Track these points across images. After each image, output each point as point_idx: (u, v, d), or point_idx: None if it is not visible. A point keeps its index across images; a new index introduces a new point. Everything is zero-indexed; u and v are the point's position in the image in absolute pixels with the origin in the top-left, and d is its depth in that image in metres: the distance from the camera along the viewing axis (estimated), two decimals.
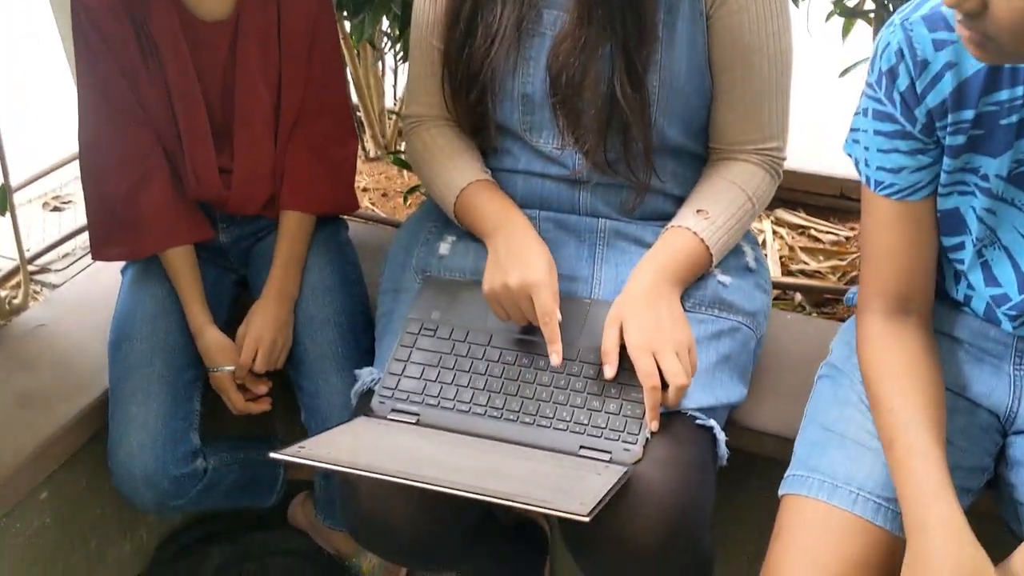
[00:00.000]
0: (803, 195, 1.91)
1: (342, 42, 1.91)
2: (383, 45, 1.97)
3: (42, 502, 1.45)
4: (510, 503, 0.99)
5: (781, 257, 1.79)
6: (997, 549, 0.99)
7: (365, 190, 2.05)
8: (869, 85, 1.07)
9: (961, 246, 1.11)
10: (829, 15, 1.61)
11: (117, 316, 1.46)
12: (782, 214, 1.89)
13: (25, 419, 1.43)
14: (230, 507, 1.57)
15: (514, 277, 1.20)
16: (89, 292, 1.63)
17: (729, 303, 1.30)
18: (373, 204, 2.02)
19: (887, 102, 1.04)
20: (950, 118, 1.02)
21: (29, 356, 1.56)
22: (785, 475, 1.16)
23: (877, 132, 1.07)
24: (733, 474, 1.26)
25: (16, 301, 1.66)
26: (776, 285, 1.72)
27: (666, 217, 1.32)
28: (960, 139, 1.02)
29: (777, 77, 1.30)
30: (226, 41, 1.39)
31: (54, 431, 1.42)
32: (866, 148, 1.09)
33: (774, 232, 1.85)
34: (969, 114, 1.00)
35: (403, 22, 1.67)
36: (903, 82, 1.02)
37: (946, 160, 1.05)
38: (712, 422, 1.20)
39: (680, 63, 1.26)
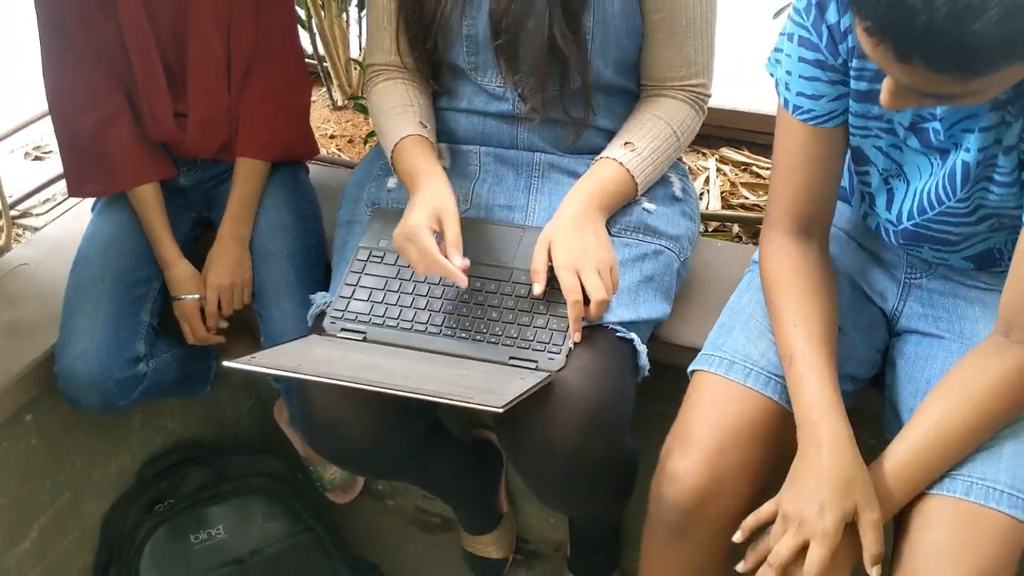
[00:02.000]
0: (747, 134, 2.00)
1: None
2: None
3: (27, 423, 1.58)
4: (436, 399, 1.10)
5: (723, 192, 1.89)
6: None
7: (332, 137, 2.15)
8: (797, 12, 1.12)
9: (868, 173, 1.21)
10: None
11: (80, 243, 1.58)
12: (726, 152, 1.99)
13: (10, 347, 1.55)
14: (167, 398, 1.70)
15: (399, 228, 1.29)
16: (69, 232, 1.73)
17: (653, 228, 1.41)
18: (340, 150, 2.11)
19: (813, 32, 1.10)
20: (855, 63, 1.09)
21: (13, 292, 1.67)
22: (697, 355, 1.28)
23: (801, 59, 1.13)
24: (664, 386, 1.38)
25: None
26: (716, 217, 1.83)
27: (599, 151, 1.42)
28: (863, 85, 1.10)
29: (701, 17, 1.39)
30: None
31: (36, 356, 1.53)
32: (788, 72, 1.15)
33: (718, 169, 1.95)
34: (873, 65, 1.05)
35: None
36: (832, 16, 1.08)
37: (852, 103, 1.13)
38: (632, 335, 1.32)
39: (614, 4, 1.35)
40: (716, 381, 1.22)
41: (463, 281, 1.26)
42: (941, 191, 1.11)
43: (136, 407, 1.67)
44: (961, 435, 1.08)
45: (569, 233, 1.31)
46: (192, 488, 1.78)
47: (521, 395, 1.12)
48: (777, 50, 1.18)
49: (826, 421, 1.09)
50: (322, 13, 2.11)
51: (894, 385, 1.27)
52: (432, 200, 1.30)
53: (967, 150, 1.06)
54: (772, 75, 1.20)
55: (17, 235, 1.85)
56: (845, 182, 1.29)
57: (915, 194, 1.16)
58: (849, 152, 1.21)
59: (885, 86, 0.95)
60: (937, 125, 1.08)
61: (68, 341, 1.49)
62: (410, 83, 1.47)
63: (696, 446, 1.17)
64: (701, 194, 1.89)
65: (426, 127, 1.42)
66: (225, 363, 1.17)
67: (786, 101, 1.17)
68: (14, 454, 1.57)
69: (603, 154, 1.40)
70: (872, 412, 1.32)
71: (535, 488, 1.37)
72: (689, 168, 1.95)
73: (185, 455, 1.84)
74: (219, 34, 1.52)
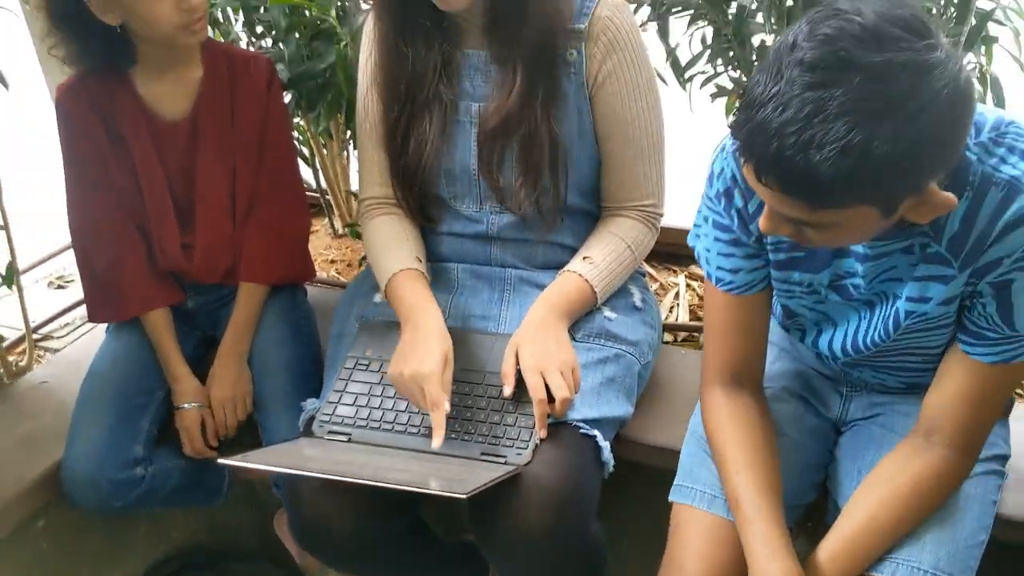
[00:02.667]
0: None
1: (308, 132, 2.21)
2: (346, 136, 2.25)
3: (39, 529, 1.69)
4: (406, 488, 1.22)
5: (691, 305, 2.03)
6: None
7: (332, 262, 2.32)
8: (709, 199, 1.24)
9: (799, 321, 1.33)
10: (714, 96, 1.88)
11: (92, 361, 1.72)
12: (695, 269, 2.13)
13: (26, 457, 1.67)
14: (178, 507, 1.79)
15: (409, 368, 1.38)
16: (85, 353, 1.86)
17: (614, 334, 1.54)
18: (339, 273, 2.28)
19: (725, 215, 1.22)
20: (770, 240, 1.21)
21: (32, 407, 1.81)
22: (674, 483, 1.38)
23: (717, 239, 1.25)
24: (631, 484, 1.48)
25: (22, 363, 1.92)
26: (684, 328, 1.96)
27: (563, 266, 1.57)
28: (781, 256, 1.23)
29: (650, 145, 1.56)
30: (186, 136, 1.65)
31: (50, 466, 1.65)
32: (707, 249, 1.27)
33: (687, 284, 2.09)
34: (787, 239, 1.16)
35: (348, 116, 1.95)
36: (738, 202, 1.20)
37: (772, 272, 1.25)
38: (595, 431, 1.43)
39: (572, 135, 1.53)
40: (700, 516, 1.31)
41: (440, 441, 1.34)
42: (878, 334, 1.22)
43: (141, 516, 1.78)
44: (886, 529, 1.18)
45: (534, 338, 1.44)
46: None
47: (484, 485, 1.23)
48: (696, 226, 1.31)
49: (775, 561, 1.17)
50: (324, 152, 2.31)
51: (834, 476, 1.37)
52: (441, 343, 1.41)
53: (901, 299, 1.16)
54: (694, 248, 1.33)
55: (39, 356, 2.00)
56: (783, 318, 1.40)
57: (845, 335, 1.27)
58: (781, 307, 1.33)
59: (763, 211, 1.07)
60: (858, 280, 1.19)
61: (72, 444, 1.61)
62: (402, 217, 1.63)
63: None
64: (672, 308, 2.03)
65: (420, 261, 1.57)
66: (220, 460, 1.29)
67: (708, 274, 1.30)
68: (26, 559, 1.67)
69: (565, 268, 1.55)
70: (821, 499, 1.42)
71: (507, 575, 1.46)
72: (660, 284, 2.10)
73: (188, 561, 1.94)
74: (225, 172, 1.69)
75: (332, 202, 2.41)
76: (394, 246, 1.58)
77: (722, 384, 1.31)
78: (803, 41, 0.92)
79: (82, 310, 2.08)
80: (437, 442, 1.35)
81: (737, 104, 1.27)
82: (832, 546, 1.20)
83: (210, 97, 1.64)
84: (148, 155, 1.64)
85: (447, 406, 1.36)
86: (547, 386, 1.39)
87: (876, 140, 0.89)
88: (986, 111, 1.09)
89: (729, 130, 1.03)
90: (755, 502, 1.21)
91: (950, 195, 0.98)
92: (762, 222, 1.07)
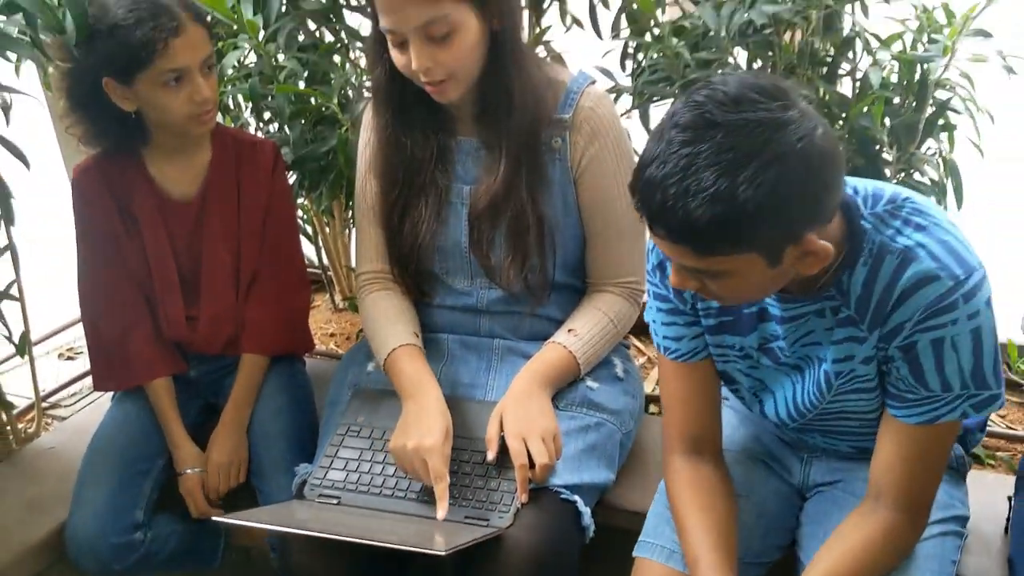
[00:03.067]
0: None
1: (311, 211, 2.32)
2: (347, 215, 2.37)
3: None
4: (389, 545, 1.28)
5: None
6: None
7: (332, 335, 2.41)
8: (648, 273, 1.36)
9: (738, 389, 1.42)
10: None
11: (97, 428, 1.79)
12: None
13: (31, 519, 1.74)
14: (176, 570, 1.82)
15: (412, 441, 1.46)
16: (90, 420, 1.94)
17: (596, 403, 1.61)
18: (338, 346, 2.36)
19: (661, 287, 1.34)
20: (700, 305, 1.33)
21: (39, 472, 1.88)
22: (639, 539, 1.44)
23: (659, 309, 1.36)
24: (612, 549, 1.53)
25: (31, 430, 2.00)
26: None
27: (548, 337, 1.65)
28: (711, 321, 1.33)
29: (630, 226, 1.65)
30: (194, 215, 1.76)
31: (54, 528, 1.72)
32: (653, 320, 1.39)
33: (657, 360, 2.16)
34: (716, 303, 1.29)
35: (348, 196, 2.06)
36: (670, 273, 1.29)
37: (707, 337, 1.35)
38: (575, 497, 1.49)
39: (557, 216, 1.62)
40: (658, 569, 1.38)
41: (444, 512, 1.43)
42: (812, 397, 1.31)
43: None
44: None
45: (518, 405, 1.52)
46: None
47: (463, 544, 1.30)
48: (648, 303, 1.41)
49: None
50: (327, 230, 2.42)
51: (801, 540, 1.43)
52: (442, 418, 1.50)
53: (827, 362, 1.26)
54: (647, 321, 1.42)
55: (46, 423, 2.08)
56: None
57: (785, 400, 1.36)
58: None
59: (671, 267, 1.17)
60: (782, 343, 1.29)
61: (75, 508, 1.68)
62: (398, 293, 1.71)
63: None
64: (657, 380, 2.10)
65: (417, 336, 1.65)
66: (214, 518, 1.36)
67: (657, 344, 1.40)
68: None
69: (551, 339, 1.63)
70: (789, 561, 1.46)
71: None
72: (648, 358, 2.17)
73: None
74: (229, 249, 1.79)
75: (333, 278, 2.51)
76: (392, 321, 1.66)
77: (682, 452, 1.39)
78: (679, 108, 1.06)
79: (89, 380, 2.16)
80: (441, 513, 1.42)
81: None
82: None
83: (218, 179, 1.75)
84: (158, 232, 1.74)
85: (448, 478, 1.44)
86: (529, 453, 1.46)
87: (740, 186, 1.00)
88: (885, 186, 1.19)
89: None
90: (711, 561, 1.27)
91: (826, 244, 1.08)
92: (671, 277, 1.18)
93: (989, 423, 1.86)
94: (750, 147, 1.02)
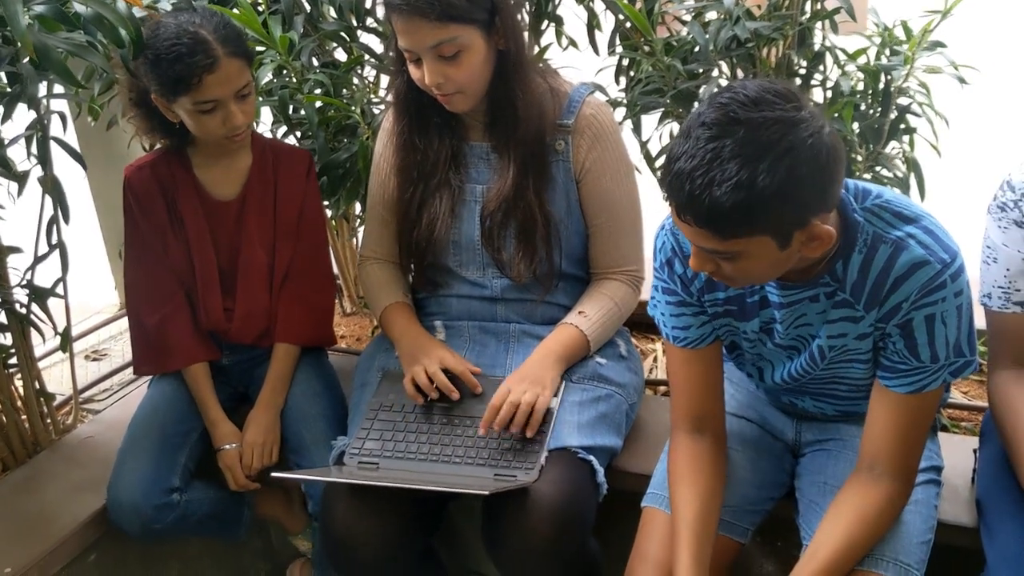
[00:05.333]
0: None
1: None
2: (356, 224, 2.53)
3: (91, 563, 1.86)
4: (437, 489, 1.44)
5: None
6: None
7: (343, 337, 2.56)
8: (656, 271, 1.51)
9: (741, 356, 1.60)
10: None
11: (136, 409, 1.93)
12: None
13: (79, 499, 1.87)
14: (206, 535, 1.97)
15: (420, 365, 1.73)
16: (124, 413, 2.07)
17: (606, 377, 1.79)
18: (348, 346, 2.52)
19: (671, 282, 1.49)
20: (707, 297, 1.50)
21: (80, 459, 2.01)
22: (647, 491, 1.61)
23: (668, 303, 1.51)
24: (618, 508, 1.70)
25: (68, 422, 2.13)
26: (663, 383, 2.21)
27: (559, 321, 1.83)
28: (718, 309, 1.50)
29: (630, 221, 1.84)
30: (233, 215, 1.92)
31: (99, 508, 1.84)
32: (662, 314, 1.53)
33: (663, 349, 2.35)
34: (720, 295, 1.46)
35: (362, 205, 2.23)
36: (679, 269, 1.47)
37: (716, 322, 1.52)
38: (591, 457, 1.66)
39: (560, 212, 1.80)
40: (664, 517, 1.54)
41: (456, 394, 1.71)
42: (806, 366, 1.48)
43: (174, 558, 1.95)
44: (848, 552, 1.38)
45: (526, 370, 1.70)
46: None
47: (502, 488, 1.46)
48: (652, 297, 1.55)
49: None
50: (336, 237, 2.58)
51: (803, 489, 1.60)
52: (435, 342, 1.77)
53: (820, 338, 1.43)
54: (653, 316, 1.56)
55: (82, 416, 2.21)
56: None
57: (782, 370, 1.53)
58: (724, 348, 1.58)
59: (692, 252, 1.32)
60: (779, 327, 1.46)
61: (117, 477, 1.82)
62: (392, 266, 1.94)
63: (655, 568, 1.49)
64: (651, 368, 2.29)
65: (407, 296, 1.89)
66: (273, 475, 1.51)
67: (666, 335, 1.54)
68: None
69: (563, 321, 1.80)
70: (788, 518, 1.64)
71: None
72: (641, 350, 2.36)
73: None
74: (265, 249, 1.95)
75: (343, 285, 2.67)
76: (387, 286, 1.90)
77: (686, 431, 1.55)
78: (704, 109, 1.21)
79: (119, 377, 2.30)
80: (455, 395, 1.70)
81: None
82: (808, 572, 1.37)
83: (257, 182, 1.91)
84: (201, 230, 1.90)
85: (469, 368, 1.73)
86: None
87: (760, 175, 1.16)
88: (869, 185, 1.37)
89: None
90: (689, 535, 1.43)
91: (830, 229, 1.24)
92: (691, 261, 1.32)
93: (953, 397, 2.07)
94: (768, 141, 1.15)
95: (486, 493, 1.40)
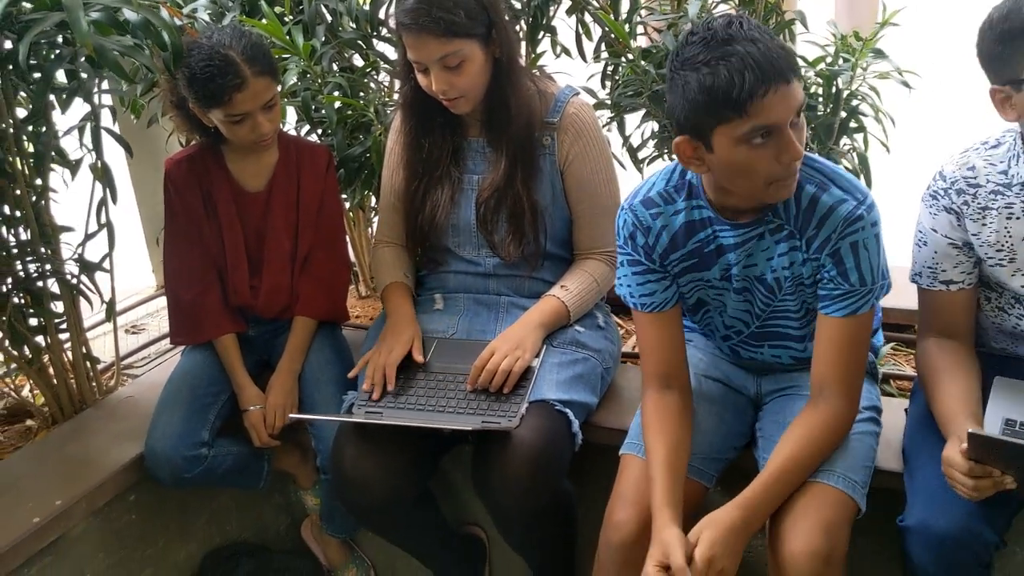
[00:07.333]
0: None
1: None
2: (371, 215, 2.78)
3: (132, 502, 2.12)
4: (434, 426, 1.70)
5: None
6: None
7: (358, 317, 2.81)
8: (620, 246, 1.73)
9: (708, 311, 1.82)
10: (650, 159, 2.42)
11: (170, 374, 2.18)
12: None
13: (120, 446, 2.12)
14: (229, 486, 2.22)
15: (378, 357, 1.98)
16: (160, 377, 2.31)
17: (582, 343, 2.02)
18: (362, 324, 2.77)
19: (634, 253, 1.71)
20: (671, 257, 1.72)
21: (121, 415, 2.26)
22: (624, 441, 1.83)
23: (634, 273, 1.73)
24: (593, 464, 1.92)
25: (111, 384, 2.39)
26: (637, 356, 2.43)
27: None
28: (679, 268, 1.72)
29: (609, 207, 2.07)
30: (261, 205, 2.17)
31: (136, 454, 2.09)
32: (628, 286, 1.74)
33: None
34: (682, 252, 1.68)
35: (377, 191, 2.48)
36: (640, 240, 1.69)
37: (681, 279, 1.75)
38: (567, 410, 1.89)
39: (545, 198, 2.05)
40: (640, 463, 1.76)
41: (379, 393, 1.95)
42: (765, 298, 1.70)
43: (204, 506, 2.20)
44: (797, 463, 1.60)
45: (510, 332, 1.95)
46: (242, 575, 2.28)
47: (488, 428, 1.74)
48: (619, 277, 1.76)
49: (660, 519, 1.58)
50: (352, 226, 2.83)
51: (763, 428, 1.82)
52: (409, 329, 2.02)
53: (770, 272, 1.66)
54: (621, 296, 1.78)
55: (123, 379, 2.47)
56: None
57: (743, 311, 1.75)
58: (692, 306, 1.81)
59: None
60: (735, 270, 1.69)
61: (153, 429, 2.06)
62: (400, 248, 2.19)
63: (632, 505, 1.69)
64: (633, 346, 2.52)
65: (407, 277, 2.14)
66: (291, 415, 1.77)
67: (634, 304, 1.76)
68: (119, 524, 2.10)
69: (546, 293, 2.05)
70: (750, 467, 1.84)
71: (498, 520, 1.89)
72: (625, 329, 2.59)
73: (237, 549, 2.35)
74: (288, 235, 2.20)
75: (358, 271, 2.92)
76: (392, 265, 2.16)
77: (655, 388, 1.76)
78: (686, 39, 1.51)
79: (156, 347, 2.57)
80: (376, 394, 1.94)
81: None
82: (759, 488, 1.59)
83: (282, 175, 2.17)
84: (232, 218, 2.16)
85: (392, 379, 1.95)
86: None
87: None
88: None
89: None
90: (661, 478, 1.63)
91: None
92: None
93: (901, 369, 2.28)
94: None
95: (470, 429, 1.65)
